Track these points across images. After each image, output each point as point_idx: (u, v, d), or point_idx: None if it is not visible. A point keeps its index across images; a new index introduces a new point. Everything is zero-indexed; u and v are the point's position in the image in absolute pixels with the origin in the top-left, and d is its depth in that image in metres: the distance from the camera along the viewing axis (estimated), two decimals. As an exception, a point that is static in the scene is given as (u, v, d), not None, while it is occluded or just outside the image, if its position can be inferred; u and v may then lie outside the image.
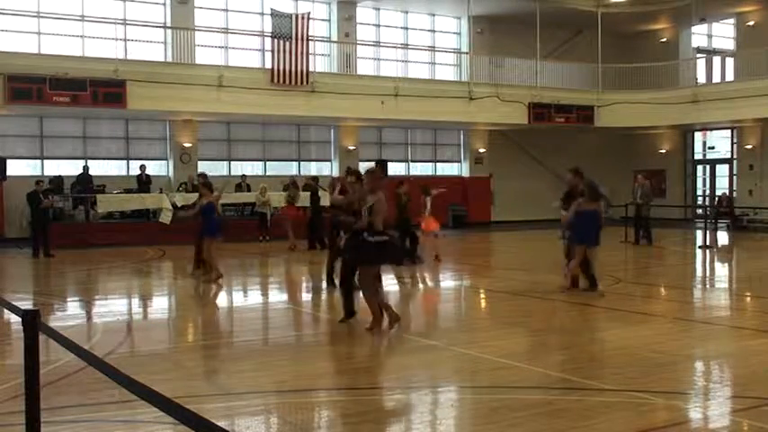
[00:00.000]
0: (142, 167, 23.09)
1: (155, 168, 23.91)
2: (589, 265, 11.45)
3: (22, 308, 4.19)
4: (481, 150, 29.72)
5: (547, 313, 10.41)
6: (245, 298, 13.23)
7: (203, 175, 16.01)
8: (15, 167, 22.15)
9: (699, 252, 19.96)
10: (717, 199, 29.07)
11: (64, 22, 22.86)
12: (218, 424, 2.51)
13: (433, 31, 29.43)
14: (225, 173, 25.35)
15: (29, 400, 4.06)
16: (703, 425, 5.70)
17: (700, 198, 31.36)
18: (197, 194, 15.03)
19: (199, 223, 13.79)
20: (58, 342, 4.04)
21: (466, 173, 29.79)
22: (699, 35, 31.73)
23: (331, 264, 11.99)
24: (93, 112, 22.24)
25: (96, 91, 20.33)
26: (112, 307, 11.66)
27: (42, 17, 22.49)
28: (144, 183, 22.85)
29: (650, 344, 8.69)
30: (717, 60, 31.36)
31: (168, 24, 23.91)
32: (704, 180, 31.41)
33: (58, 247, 18.90)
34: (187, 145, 24.50)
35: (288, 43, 23.03)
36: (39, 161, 23.29)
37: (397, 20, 28.66)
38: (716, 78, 30.69)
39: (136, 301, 12.68)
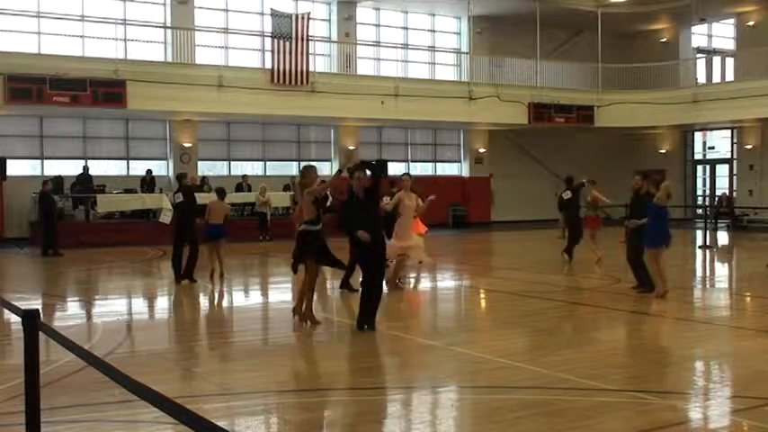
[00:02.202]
0: (148, 172, 23.16)
1: (155, 168, 23.89)
2: (644, 264, 11.34)
3: (23, 308, 4.19)
4: (481, 150, 29.72)
5: (547, 313, 10.40)
6: (245, 298, 13.24)
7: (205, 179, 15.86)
8: (15, 167, 22.14)
9: (699, 252, 19.96)
10: (717, 199, 29.08)
11: (64, 22, 22.86)
12: (218, 424, 2.51)
13: (433, 31, 29.43)
14: (225, 173, 25.37)
15: (29, 400, 4.06)
16: (703, 425, 5.70)
17: (700, 198, 31.36)
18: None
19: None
20: (58, 342, 4.04)
21: (466, 173, 29.79)
22: (699, 35, 31.74)
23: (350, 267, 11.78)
24: (93, 112, 22.23)
25: (96, 91, 20.32)
26: (112, 307, 11.66)
27: (42, 17, 22.48)
28: (148, 185, 22.86)
29: (650, 344, 8.70)
30: (717, 60, 31.36)
31: (168, 24, 23.90)
32: (704, 180, 31.43)
33: (59, 247, 18.92)
34: (187, 145, 24.49)
35: (288, 43, 23.02)
36: (39, 161, 23.28)
37: (397, 20, 28.66)
38: (716, 78, 30.70)
39: (136, 301, 12.68)
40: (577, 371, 6.83)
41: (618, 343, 8.72)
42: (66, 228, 21.02)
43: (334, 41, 26.56)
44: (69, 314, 11.11)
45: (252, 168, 25.92)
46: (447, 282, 15.00)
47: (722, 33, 32.34)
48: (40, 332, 4.05)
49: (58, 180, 21.90)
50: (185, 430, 2.61)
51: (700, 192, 31.52)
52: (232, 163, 25.93)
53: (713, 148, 31.24)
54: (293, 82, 23.09)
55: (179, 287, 13.04)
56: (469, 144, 29.66)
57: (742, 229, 26.37)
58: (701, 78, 29.99)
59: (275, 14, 23.31)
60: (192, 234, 13.48)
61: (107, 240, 20.57)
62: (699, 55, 31.62)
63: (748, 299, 12.26)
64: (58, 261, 17.45)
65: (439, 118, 26.08)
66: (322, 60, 26.13)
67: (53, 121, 23.11)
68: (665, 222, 11.06)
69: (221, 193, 14.24)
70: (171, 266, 13.60)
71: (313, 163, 14.03)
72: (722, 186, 30.07)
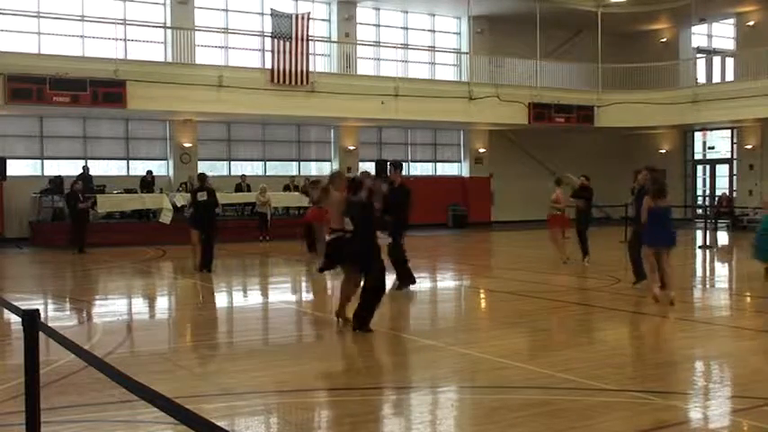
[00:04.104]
0: (149, 173, 23.16)
1: (154, 168, 23.89)
2: (641, 262, 11.26)
3: (23, 308, 4.19)
4: (481, 150, 29.72)
5: (547, 313, 10.41)
6: (245, 298, 13.24)
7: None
8: (15, 167, 22.15)
9: (699, 252, 19.97)
10: (717, 199, 29.08)
11: (64, 22, 22.86)
12: (218, 424, 2.51)
13: (433, 31, 29.43)
14: (225, 173, 25.36)
15: (29, 400, 4.06)
16: (703, 425, 5.70)
17: (700, 198, 31.36)
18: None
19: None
20: (58, 342, 4.04)
21: (466, 173, 29.79)
22: (699, 35, 31.73)
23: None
24: (93, 112, 22.23)
25: (96, 91, 20.32)
26: (112, 307, 11.65)
27: (42, 17, 22.49)
28: (149, 185, 22.86)
29: (650, 344, 8.71)
30: (717, 60, 31.36)
31: (168, 24, 23.90)
32: (704, 180, 31.42)
33: (59, 247, 18.95)
34: (187, 145, 24.49)
35: (288, 43, 23.02)
36: (39, 161, 23.28)
37: (397, 20, 28.66)
38: (716, 78, 30.69)
39: (136, 302, 12.67)
40: (577, 371, 6.83)
41: (618, 343, 8.71)
42: (66, 228, 21.03)
43: (335, 41, 26.56)
44: (69, 314, 11.11)
45: (252, 168, 25.93)
46: (447, 282, 15.00)
47: (722, 33, 32.33)
48: (40, 332, 4.05)
49: (58, 180, 21.89)
50: (185, 430, 2.61)
51: (700, 192, 31.51)
52: (232, 163, 25.93)
53: (713, 148, 31.24)
54: (293, 82, 23.09)
55: (178, 286, 13.05)
56: (469, 144, 29.66)
57: (742, 229, 26.35)
58: (701, 78, 29.98)
59: (275, 14, 23.32)
60: (213, 229, 14.92)
61: (107, 240, 20.56)
62: (699, 55, 31.61)
63: (748, 299, 12.26)
64: (58, 261, 17.45)
65: (439, 118, 26.07)
66: (322, 60, 26.12)
67: (53, 121, 23.11)
68: (663, 222, 10.89)
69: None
70: (193, 257, 14.99)
71: (326, 165, 14.38)
72: (722, 186, 30.06)
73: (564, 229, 16.63)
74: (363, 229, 8.63)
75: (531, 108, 26.98)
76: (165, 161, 24.83)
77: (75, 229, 19.46)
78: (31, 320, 4.00)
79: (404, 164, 12.91)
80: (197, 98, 21.93)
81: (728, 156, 30.34)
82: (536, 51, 27.22)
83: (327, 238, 9.29)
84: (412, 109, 25.04)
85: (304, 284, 14.59)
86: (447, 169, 30.06)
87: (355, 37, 27.14)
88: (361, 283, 8.86)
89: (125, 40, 23.26)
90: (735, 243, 22.89)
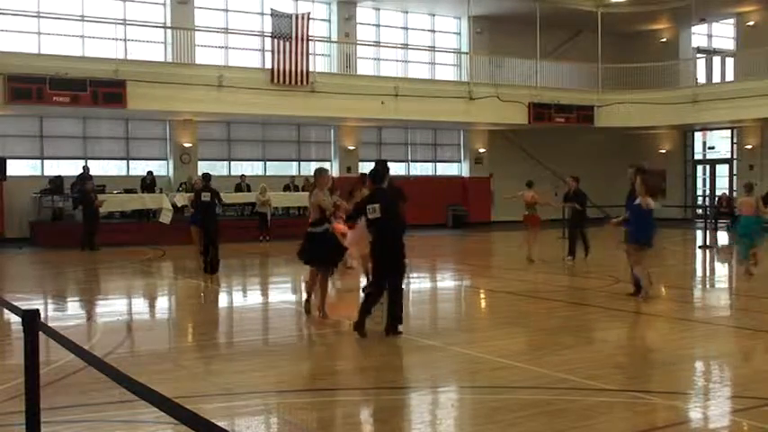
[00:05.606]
0: (149, 173, 23.16)
1: (154, 168, 23.89)
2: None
3: (23, 308, 4.19)
4: (481, 150, 29.72)
5: (546, 313, 10.41)
6: (245, 298, 13.24)
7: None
8: (15, 167, 22.14)
9: (699, 252, 19.96)
10: (717, 199, 29.08)
11: (64, 22, 22.86)
12: (218, 424, 2.51)
13: (433, 31, 29.43)
14: (225, 173, 25.36)
15: (29, 400, 4.06)
16: (703, 425, 5.70)
17: (700, 198, 31.36)
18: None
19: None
20: (58, 342, 4.04)
21: (466, 173, 29.79)
22: (699, 35, 31.74)
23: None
24: (93, 112, 22.23)
25: (96, 91, 20.32)
26: (112, 307, 11.66)
27: (42, 17, 22.48)
28: (149, 186, 22.85)
29: (650, 344, 8.70)
30: (717, 60, 31.36)
31: (168, 24, 23.90)
32: (704, 180, 31.43)
33: (59, 247, 18.90)
34: (187, 145, 24.49)
35: (288, 43, 23.02)
36: (39, 161, 23.29)
37: (397, 20, 28.66)
38: (716, 78, 30.70)
39: (136, 302, 12.68)
40: (577, 371, 6.83)
41: (618, 343, 8.72)
42: (66, 228, 21.06)
43: (335, 41, 26.56)
44: (69, 314, 11.11)
45: (252, 168, 25.93)
46: (447, 282, 15.00)
47: (722, 33, 32.33)
48: (40, 332, 4.05)
49: (58, 180, 21.89)
50: (185, 430, 2.61)
51: (700, 192, 31.52)
52: (232, 163, 25.93)
53: (713, 148, 31.25)
54: (293, 82, 23.08)
55: (178, 286, 13.04)
56: (469, 144, 29.66)
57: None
58: (701, 78, 29.98)
59: (275, 14, 23.31)
60: (216, 230, 14.80)
61: (107, 240, 20.54)
62: (699, 55, 31.61)
63: (748, 299, 12.25)
64: (57, 261, 17.44)
65: (439, 118, 26.07)
66: (322, 60, 26.12)
67: (53, 121, 23.11)
68: (647, 221, 10.90)
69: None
70: (200, 256, 15.10)
71: (326, 165, 14.33)
72: (722, 186, 30.07)
73: (536, 230, 16.82)
74: (389, 219, 8.57)
75: (531, 108, 26.98)
76: (165, 161, 24.83)
77: (88, 227, 19.63)
78: (31, 320, 4.00)
79: (389, 163, 12.27)
80: (197, 98, 21.93)
81: (728, 156, 30.35)
82: (536, 51, 27.21)
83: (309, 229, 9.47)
84: (412, 109, 25.03)
85: (304, 284, 14.57)
86: (447, 169, 30.05)
87: (355, 37, 27.13)
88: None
89: (125, 40, 23.27)
90: (735, 243, 22.87)
